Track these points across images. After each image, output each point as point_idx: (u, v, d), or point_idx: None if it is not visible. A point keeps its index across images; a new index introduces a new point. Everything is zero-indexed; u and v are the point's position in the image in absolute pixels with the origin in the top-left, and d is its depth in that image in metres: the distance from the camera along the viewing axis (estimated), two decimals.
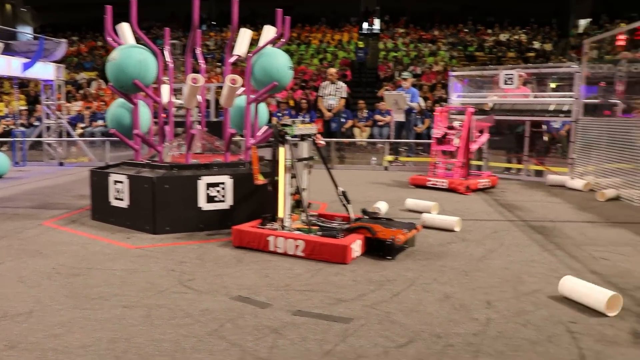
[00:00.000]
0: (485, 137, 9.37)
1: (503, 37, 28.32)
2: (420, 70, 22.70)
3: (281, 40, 6.45)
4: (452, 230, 5.46)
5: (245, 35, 6.53)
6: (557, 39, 28.51)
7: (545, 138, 11.21)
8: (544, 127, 11.12)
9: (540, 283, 3.91)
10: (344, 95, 12.85)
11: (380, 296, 3.64)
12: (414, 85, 14.96)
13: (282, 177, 4.95)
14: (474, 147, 8.93)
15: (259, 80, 6.04)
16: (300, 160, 5.15)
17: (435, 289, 3.77)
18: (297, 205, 5.16)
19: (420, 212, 6.09)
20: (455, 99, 11.04)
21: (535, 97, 10.17)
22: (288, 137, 4.92)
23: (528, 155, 9.96)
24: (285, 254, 4.60)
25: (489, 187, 8.65)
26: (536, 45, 27.16)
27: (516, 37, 28.32)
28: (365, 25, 31.49)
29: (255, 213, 5.33)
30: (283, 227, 4.93)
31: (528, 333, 3.05)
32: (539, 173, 9.95)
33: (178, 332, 3.06)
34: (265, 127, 6.71)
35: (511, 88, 10.18)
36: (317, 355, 2.78)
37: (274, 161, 5.00)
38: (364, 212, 5.28)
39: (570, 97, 9.58)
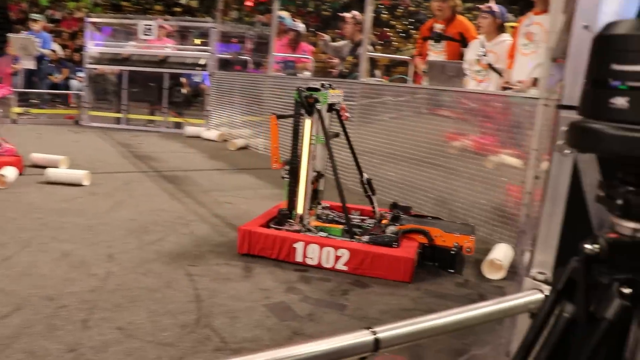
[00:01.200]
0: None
1: None
2: (60, 15, 20.96)
3: None
4: (81, 185, 5.16)
5: None
6: None
7: (185, 91, 11.47)
8: (184, 80, 11.37)
9: (166, 231, 3.96)
10: None
11: None
12: (50, 31, 13.71)
13: (306, 160, 3.75)
14: None
15: None
16: (330, 137, 3.86)
17: (54, 248, 3.50)
18: (315, 196, 3.94)
19: (45, 167, 5.60)
20: (93, 47, 10.47)
21: (173, 49, 10.27)
22: (319, 106, 3.69)
23: (167, 108, 10.05)
24: (319, 267, 3.43)
25: None
26: (183, 0, 27.44)
27: None
28: None
29: None
30: (305, 227, 3.71)
31: (148, 282, 3.05)
32: (178, 125, 10.13)
33: None
34: None
35: (151, 39, 10.08)
36: None
37: (295, 138, 3.76)
38: (394, 205, 4.17)
39: (207, 51, 9.94)
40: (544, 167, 2.74)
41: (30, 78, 11.16)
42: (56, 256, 3.36)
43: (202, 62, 9.94)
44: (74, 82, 13.12)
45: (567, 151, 1.65)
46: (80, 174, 5.20)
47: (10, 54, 10.30)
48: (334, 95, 3.89)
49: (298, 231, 3.66)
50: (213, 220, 4.29)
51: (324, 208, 4.15)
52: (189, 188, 5.35)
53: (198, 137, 9.18)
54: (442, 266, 3.56)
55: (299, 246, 3.48)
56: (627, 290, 0.88)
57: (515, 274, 3.36)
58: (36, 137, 8.13)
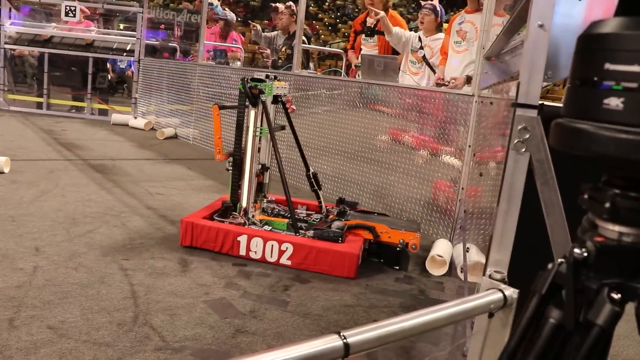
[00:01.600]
0: None
1: None
2: None
3: None
4: (0, 172, 4.85)
5: None
6: None
7: (110, 76, 11.05)
8: (109, 65, 10.94)
9: (95, 223, 3.77)
10: None
11: None
12: None
13: (250, 152, 3.67)
14: None
15: None
16: (275, 129, 3.85)
17: None
18: (259, 189, 3.89)
19: None
20: (10, 26, 9.89)
21: (98, 33, 9.88)
22: (263, 98, 3.63)
23: (91, 94, 9.65)
24: (262, 261, 3.39)
25: None
26: None
27: None
28: None
29: None
30: (249, 221, 3.63)
31: (79, 277, 2.88)
32: (103, 112, 9.76)
33: None
34: None
35: (74, 21, 9.63)
36: None
37: (239, 129, 3.69)
38: (341, 201, 4.18)
39: (134, 37, 9.60)
40: (491, 164, 2.78)
41: None
42: None
43: (128, 47, 9.60)
44: None
45: (523, 150, 1.65)
46: (0, 161, 4.88)
47: None
48: (280, 87, 3.84)
49: (242, 224, 3.59)
50: (145, 212, 4.12)
51: (269, 202, 4.11)
52: (118, 178, 5.13)
53: (125, 125, 8.87)
54: (387, 262, 3.56)
55: (242, 239, 3.42)
56: (616, 296, 0.87)
57: (455, 270, 3.41)
58: None
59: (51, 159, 5.77)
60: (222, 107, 3.81)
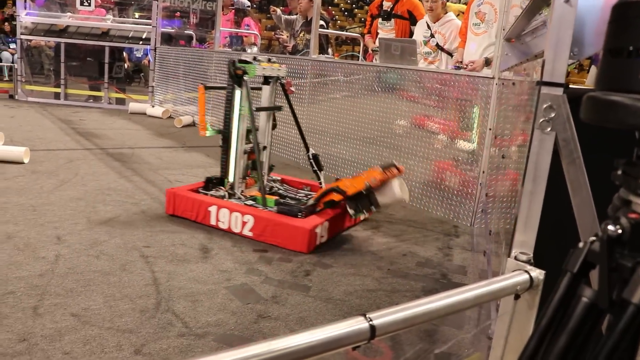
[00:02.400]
0: None
1: None
2: None
3: None
4: (20, 163, 4.89)
5: None
6: None
7: (126, 65, 11.08)
8: (125, 54, 10.97)
9: (116, 211, 3.79)
10: None
11: None
12: None
13: (235, 130, 3.85)
14: None
15: None
16: (260, 109, 3.98)
17: None
18: (254, 166, 4.00)
19: None
20: (26, 17, 9.92)
21: (113, 22, 9.89)
22: (246, 79, 3.78)
23: (109, 83, 9.69)
24: (229, 231, 3.59)
25: None
26: None
27: None
28: None
29: None
30: (231, 195, 3.84)
31: (101, 265, 2.89)
32: (120, 101, 9.80)
33: None
34: None
35: (87, 9, 9.66)
36: None
37: (227, 108, 3.88)
38: (337, 180, 4.21)
39: (149, 25, 9.60)
40: (514, 146, 2.73)
41: None
42: None
43: (144, 36, 9.61)
44: (5, 54, 12.50)
45: (548, 129, 1.62)
46: (19, 151, 4.91)
47: None
48: (274, 69, 3.98)
49: (221, 197, 3.81)
50: (165, 200, 4.12)
51: (274, 181, 4.29)
52: (137, 166, 5.15)
53: (142, 113, 8.90)
54: (369, 211, 3.59)
55: (212, 210, 3.66)
56: None
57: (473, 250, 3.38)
58: None
59: (70, 148, 5.80)
60: (207, 88, 4.03)
